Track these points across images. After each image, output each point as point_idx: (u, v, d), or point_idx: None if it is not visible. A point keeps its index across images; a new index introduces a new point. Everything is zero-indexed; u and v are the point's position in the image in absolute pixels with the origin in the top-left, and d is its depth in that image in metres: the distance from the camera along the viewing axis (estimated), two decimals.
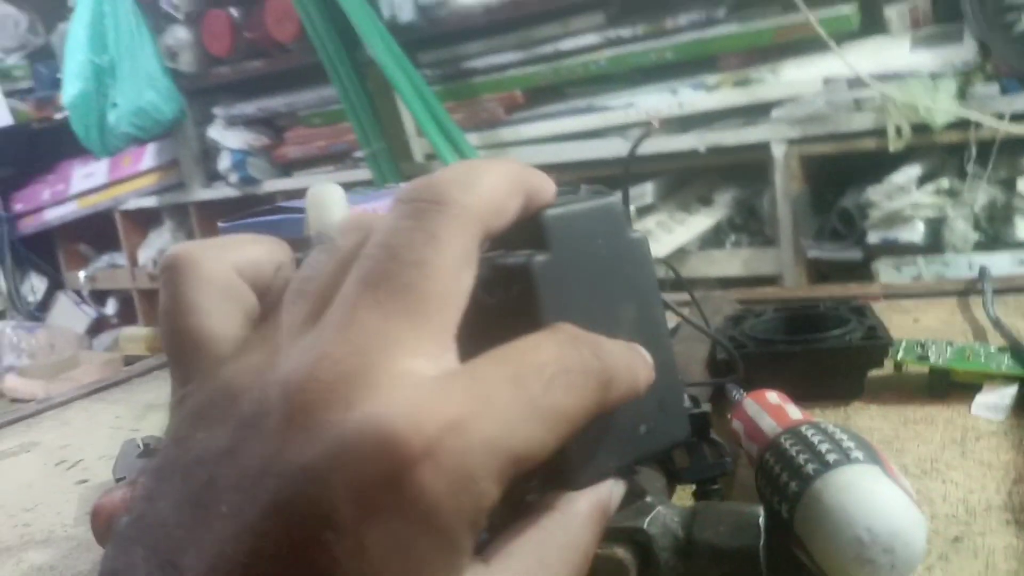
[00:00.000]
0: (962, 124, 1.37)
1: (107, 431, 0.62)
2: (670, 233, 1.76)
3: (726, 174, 1.78)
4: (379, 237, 0.19)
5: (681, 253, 1.71)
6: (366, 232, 0.20)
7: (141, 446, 0.49)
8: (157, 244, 2.58)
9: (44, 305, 2.88)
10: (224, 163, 2.28)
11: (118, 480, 0.45)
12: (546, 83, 1.85)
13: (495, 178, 0.21)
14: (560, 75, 1.82)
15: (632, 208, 1.79)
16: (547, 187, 0.22)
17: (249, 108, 2.24)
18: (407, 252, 0.19)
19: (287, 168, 2.26)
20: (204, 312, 0.21)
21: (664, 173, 1.77)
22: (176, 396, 0.20)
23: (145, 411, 0.66)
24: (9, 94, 2.72)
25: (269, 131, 2.26)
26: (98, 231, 2.77)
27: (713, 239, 1.75)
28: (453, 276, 0.19)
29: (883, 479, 0.28)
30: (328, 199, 0.30)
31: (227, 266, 0.22)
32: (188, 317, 0.21)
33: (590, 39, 1.76)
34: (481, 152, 1.85)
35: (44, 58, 2.81)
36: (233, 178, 2.29)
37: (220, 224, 0.63)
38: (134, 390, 0.73)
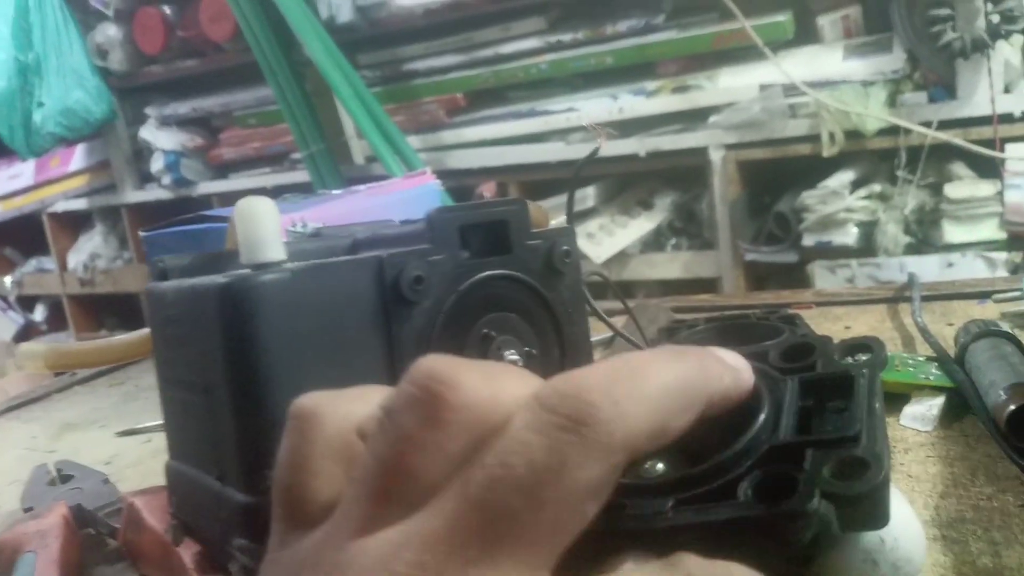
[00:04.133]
0: (892, 131, 1.41)
1: (20, 452, 0.58)
2: (611, 236, 1.77)
3: (666, 178, 1.80)
4: (501, 446, 0.17)
5: (622, 256, 1.72)
6: (430, 413, 0.18)
7: (53, 472, 0.46)
8: (87, 248, 2.49)
9: None
10: (157, 164, 2.21)
11: (26, 510, 0.43)
12: (487, 86, 1.84)
13: (664, 391, 0.18)
14: (501, 79, 1.82)
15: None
16: (739, 384, 0.20)
17: (183, 108, 2.18)
18: (526, 478, 0.16)
19: (222, 170, 2.20)
20: (314, 472, 0.20)
21: (605, 177, 1.78)
22: (272, 552, 0.20)
23: (62, 431, 0.63)
24: None
25: (204, 132, 2.20)
26: (25, 235, 2.66)
27: (653, 242, 1.77)
28: (573, 509, 0.17)
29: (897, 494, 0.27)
30: (258, 212, 0.28)
31: (350, 425, 0.20)
32: (299, 474, 0.20)
33: (531, 43, 1.76)
34: (422, 155, 1.83)
35: None
36: (166, 180, 2.22)
37: (141, 233, 0.60)
38: (53, 407, 0.70)
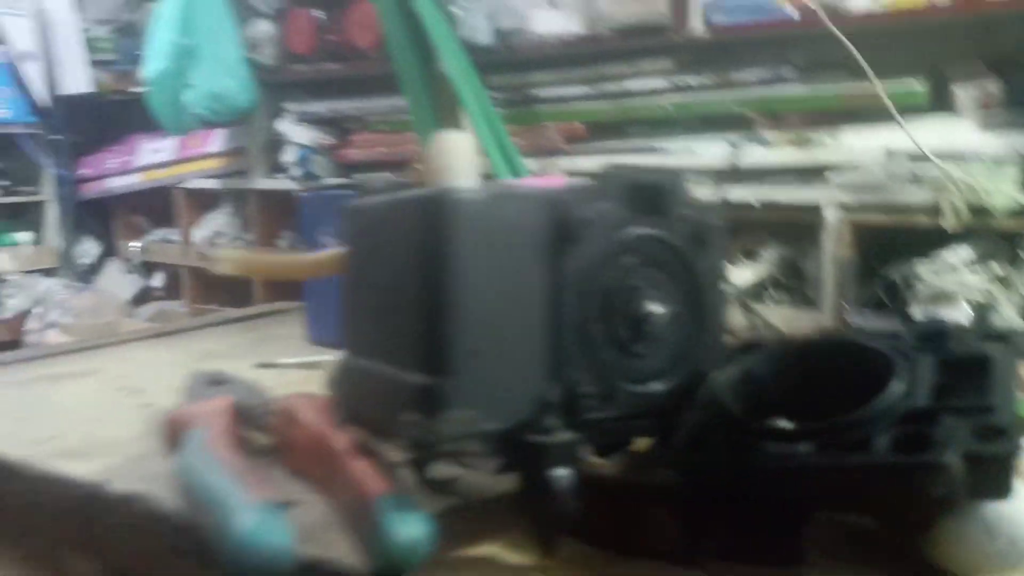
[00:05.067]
0: (1020, 212, 1.38)
1: (168, 368, 0.65)
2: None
3: (774, 230, 1.79)
4: None
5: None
6: None
7: (210, 377, 0.52)
8: (212, 226, 2.65)
9: (94, 269, 2.97)
10: (288, 156, 2.35)
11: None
12: (609, 120, 1.89)
13: None
14: (624, 114, 1.86)
15: None
16: None
17: (320, 107, 2.32)
18: None
19: (348, 169, 2.32)
20: None
21: None
22: None
23: (204, 357, 0.69)
24: (93, 64, 2.84)
25: (336, 131, 2.33)
26: (157, 205, 2.85)
27: (753, 293, 1.76)
28: None
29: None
30: (457, 145, 0.33)
31: None
32: None
33: (657, 82, 1.80)
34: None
35: (130, 34, 2.92)
36: (295, 172, 2.35)
37: (301, 194, 0.67)
38: (193, 340, 0.77)
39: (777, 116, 1.68)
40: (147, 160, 2.75)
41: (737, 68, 1.69)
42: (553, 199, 0.32)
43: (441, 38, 1.89)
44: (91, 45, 2.87)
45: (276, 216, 2.48)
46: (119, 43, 2.92)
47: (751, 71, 1.68)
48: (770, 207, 1.64)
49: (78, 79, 2.89)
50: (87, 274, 2.95)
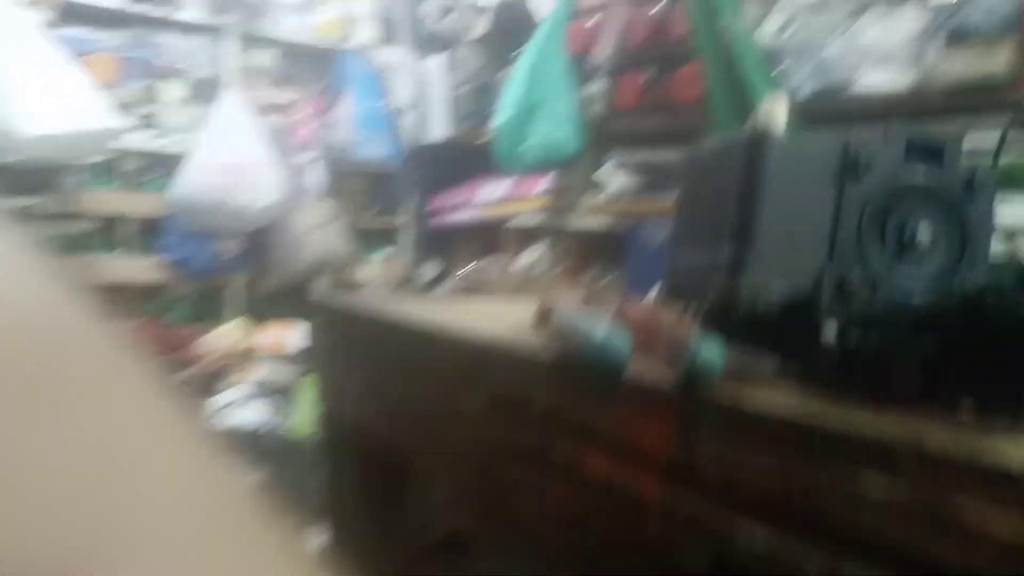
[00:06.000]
0: None
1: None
2: None
3: None
4: None
5: None
6: None
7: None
8: (528, 258, 2.99)
9: (430, 287, 3.48)
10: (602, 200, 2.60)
11: None
12: None
13: None
14: None
15: None
16: None
17: (636, 158, 2.54)
18: None
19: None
20: None
21: None
22: None
23: None
24: (453, 117, 3.37)
25: (651, 177, 2.53)
26: (486, 238, 3.27)
27: None
28: None
29: None
30: (776, 107, 0.46)
31: None
32: None
33: (990, 143, 1.74)
34: None
35: (485, 93, 3.42)
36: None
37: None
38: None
39: None
40: (485, 198, 3.18)
41: None
42: (842, 142, 0.44)
43: (761, 94, 2.01)
44: (454, 102, 3.41)
45: (589, 253, 2.74)
46: (476, 101, 3.43)
47: None
48: None
49: (440, 129, 3.45)
50: (426, 289, 3.47)
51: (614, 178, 2.55)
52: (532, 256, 2.96)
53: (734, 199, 0.44)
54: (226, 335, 2.93)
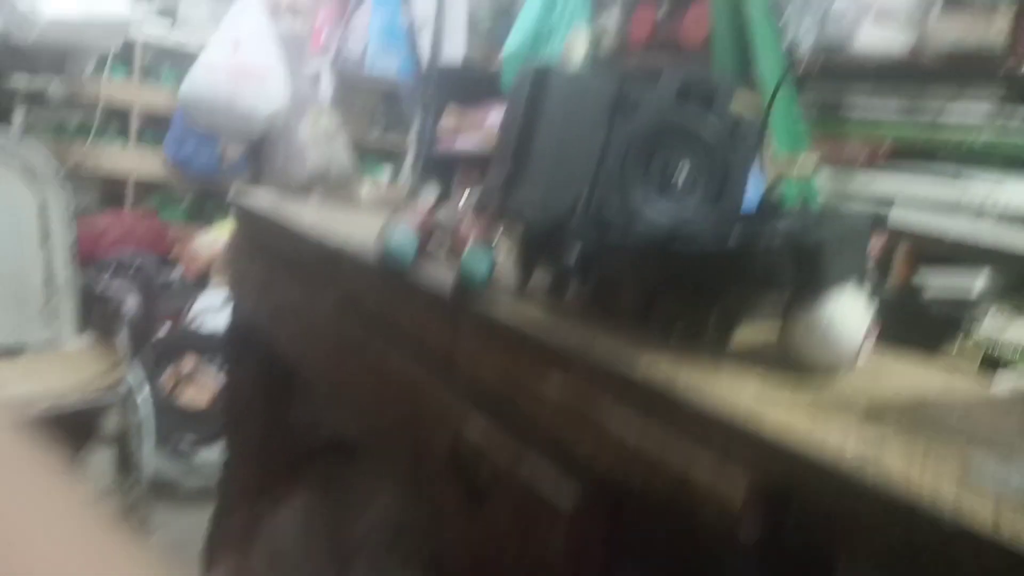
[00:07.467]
0: None
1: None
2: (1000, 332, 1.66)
3: None
4: None
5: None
6: None
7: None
8: None
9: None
10: None
11: None
12: (917, 144, 1.83)
13: None
14: (935, 140, 1.79)
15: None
16: None
17: None
18: None
19: None
20: None
21: (1006, 262, 1.66)
22: None
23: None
24: (470, 37, 3.34)
25: None
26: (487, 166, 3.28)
27: None
28: None
29: None
30: (576, 43, 0.48)
31: None
32: None
33: (979, 113, 1.71)
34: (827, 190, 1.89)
35: (505, 15, 3.37)
36: None
37: None
38: None
39: None
40: (492, 124, 3.17)
41: None
42: (621, 82, 0.46)
43: (764, 41, 1.97)
44: (472, 22, 3.37)
45: None
46: (495, 21, 3.38)
47: None
48: None
49: (457, 48, 3.41)
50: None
51: None
52: None
53: (519, 124, 0.47)
54: (215, 238, 2.98)
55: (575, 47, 0.61)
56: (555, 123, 0.46)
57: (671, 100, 0.47)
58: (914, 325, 0.49)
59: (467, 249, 0.46)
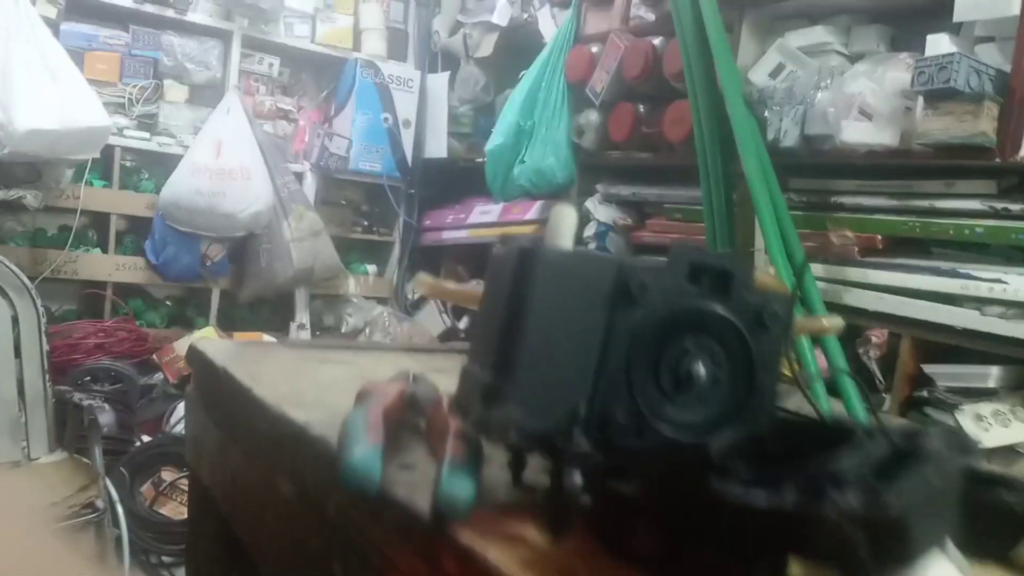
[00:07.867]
0: None
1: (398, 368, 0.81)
2: (1005, 427, 1.59)
3: None
4: None
5: (1008, 451, 1.53)
6: None
7: (409, 375, 0.65)
8: None
9: (418, 305, 3.44)
10: (589, 231, 2.55)
11: None
12: (911, 236, 1.79)
13: None
14: (929, 232, 1.76)
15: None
16: None
17: (625, 191, 2.49)
18: None
19: (638, 250, 2.45)
20: None
21: (1016, 361, 1.60)
22: None
23: (433, 369, 0.84)
24: (451, 134, 3.35)
25: (634, 214, 2.49)
26: (477, 260, 3.23)
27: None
28: None
29: None
30: (564, 216, 0.42)
31: None
32: None
33: (973, 205, 1.68)
34: (820, 285, 1.85)
35: (486, 113, 3.39)
36: (592, 245, 2.54)
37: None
38: (435, 358, 0.93)
39: None
40: (477, 219, 3.15)
41: None
42: (618, 263, 0.40)
43: (746, 138, 1.96)
44: (453, 119, 3.39)
45: None
46: (475, 120, 3.40)
47: None
48: None
49: (439, 146, 3.42)
50: (412, 308, 3.43)
51: (599, 211, 2.51)
52: None
53: (507, 313, 0.40)
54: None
55: (564, 221, 0.53)
56: (544, 317, 0.39)
57: (681, 284, 0.40)
58: (982, 526, 0.41)
59: (445, 468, 0.39)
